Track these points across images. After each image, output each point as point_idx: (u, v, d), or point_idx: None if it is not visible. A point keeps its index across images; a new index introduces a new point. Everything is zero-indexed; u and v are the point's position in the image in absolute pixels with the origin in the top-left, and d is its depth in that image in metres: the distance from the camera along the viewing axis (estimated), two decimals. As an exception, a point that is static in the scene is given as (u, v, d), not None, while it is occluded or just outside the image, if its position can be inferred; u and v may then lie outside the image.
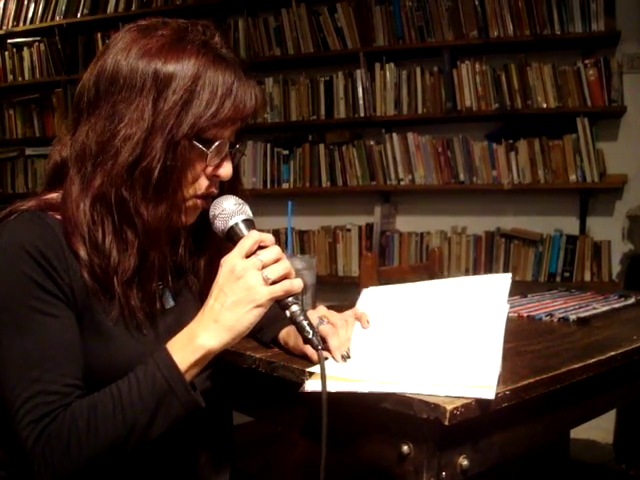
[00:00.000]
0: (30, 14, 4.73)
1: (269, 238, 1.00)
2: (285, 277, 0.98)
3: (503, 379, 0.93)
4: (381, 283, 2.27)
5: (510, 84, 3.54)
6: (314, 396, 0.93)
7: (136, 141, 0.97)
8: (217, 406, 1.14)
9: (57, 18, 4.62)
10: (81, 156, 1.01)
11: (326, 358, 0.99)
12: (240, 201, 1.06)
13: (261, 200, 3.89)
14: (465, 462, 0.89)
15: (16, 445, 0.94)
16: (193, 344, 0.96)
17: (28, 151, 4.83)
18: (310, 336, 0.99)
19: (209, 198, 1.07)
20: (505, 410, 0.91)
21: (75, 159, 1.02)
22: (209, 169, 1.04)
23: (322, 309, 1.15)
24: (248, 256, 0.98)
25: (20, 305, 0.93)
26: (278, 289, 0.97)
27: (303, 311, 1.00)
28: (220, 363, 1.07)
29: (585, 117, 3.41)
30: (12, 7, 4.79)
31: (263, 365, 1.11)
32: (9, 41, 4.86)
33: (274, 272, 0.97)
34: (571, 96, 3.44)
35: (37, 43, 4.75)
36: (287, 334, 1.16)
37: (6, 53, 4.87)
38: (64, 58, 4.61)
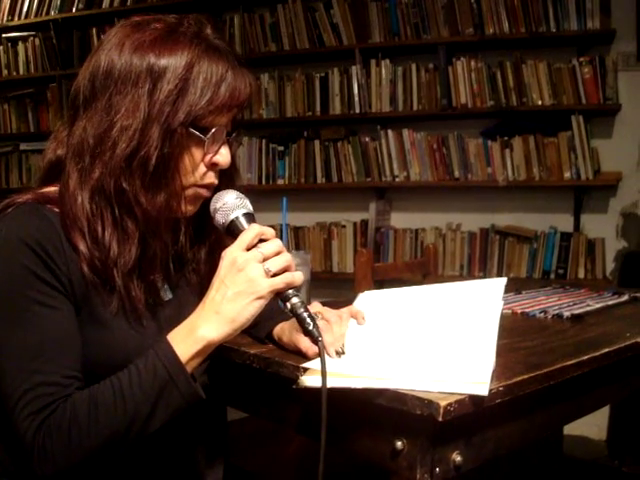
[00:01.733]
0: (25, 8, 4.71)
1: (270, 231, 1.01)
2: (286, 270, 0.99)
3: (497, 375, 0.94)
4: (376, 280, 2.27)
5: (505, 81, 3.55)
6: (309, 392, 0.93)
7: (133, 131, 0.97)
8: (212, 401, 1.15)
9: (52, 13, 4.60)
10: (79, 150, 1.01)
11: None
12: (241, 195, 1.07)
13: (256, 196, 3.87)
14: (458, 458, 0.90)
15: (14, 439, 0.94)
16: (194, 335, 0.96)
17: (22, 146, 4.81)
18: (311, 327, 1.00)
19: (211, 188, 1.07)
20: (498, 406, 0.91)
21: (73, 154, 1.02)
22: (207, 157, 1.05)
23: (317, 305, 1.16)
24: (249, 249, 0.99)
25: (19, 297, 0.94)
26: (279, 281, 0.98)
27: (303, 303, 1.01)
28: (215, 359, 1.07)
29: (580, 115, 3.41)
30: (7, 1, 4.77)
31: (257, 361, 1.11)
32: (4, 35, 4.83)
33: (275, 264, 0.98)
34: (566, 94, 3.44)
35: (32, 38, 4.72)
36: (281, 330, 1.16)
37: (1, 47, 4.85)
38: (59, 53, 4.59)
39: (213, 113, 1.02)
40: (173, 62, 0.99)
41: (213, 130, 1.03)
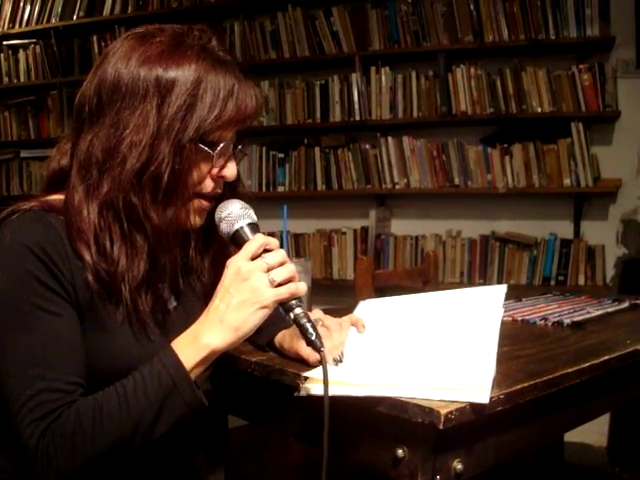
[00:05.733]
0: (26, 16, 4.72)
1: (274, 242, 1.02)
2: (290, 280, 0.99)
3: (497, 383, 0.94)
4: (376, 287, 2.27)
5: (505, 88, 3.55)
6: (310, 400, 0.93)
7: (143, 147, 0.98)
8: (213, 409, 1.15)
9: (53, 20, 4.61)
10: (86, 164, 1.01)
11: None
12: (246, 205, 1.08)
13: (256, 203, 3.87)
14: (459, 466, 0.90)
15: (16, 446, 0.94)
16: (198, 343, 0.97)
17: (23, 153, 4.82)
18: (313, 338, 1.00)
19: (213, 199, 1.08)
20: (499, 414, 0.91)
21: (79, 167, 1.02)
22: (215, 170, 1.06)
23: (318, 312, 1.16)
24: (254, 259, 0.99)
25: (23, 303, 0.94)
26: (283, 291, 0.98)
27: (306, 314, 1.01)
28: (217, 367, 1.07)
29: (579, 122, 3.42)
30: (8, 9, 4.78)
31: (258, 369, 1.11)
32: (5, 43, 4.85)
33: (280, 275, 0.98)
34: (566, 101, 3.45)
35: (33, 45, 4.74)
36: (282, 337, 1.16)
37: (2, 55, 4.86)
38: (60, 60, 4.60)
39: (221, 128, 1.03)
40: (181, 76, 0.99)
41: (221, 145, 1.03)
